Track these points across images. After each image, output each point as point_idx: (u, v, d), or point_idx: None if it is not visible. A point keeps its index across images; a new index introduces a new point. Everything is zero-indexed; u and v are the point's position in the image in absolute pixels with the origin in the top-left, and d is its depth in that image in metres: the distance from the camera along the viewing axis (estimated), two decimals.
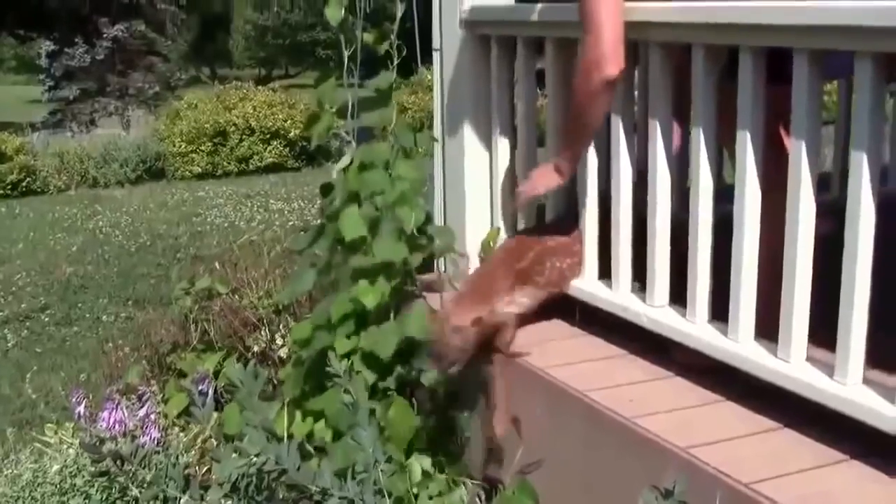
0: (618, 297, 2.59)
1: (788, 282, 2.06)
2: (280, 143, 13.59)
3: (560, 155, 2.66)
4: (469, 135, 3.13)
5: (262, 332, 3.44)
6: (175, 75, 27.02)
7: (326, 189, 3.07)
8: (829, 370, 2.01)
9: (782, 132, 2.21)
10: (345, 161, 2.91)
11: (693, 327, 2.34)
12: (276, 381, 3.15)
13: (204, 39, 45.01)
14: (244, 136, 13.41)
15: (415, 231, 2.77)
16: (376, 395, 2.69)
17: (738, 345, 2.21)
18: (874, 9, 1.78)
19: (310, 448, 2.60)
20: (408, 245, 2.75)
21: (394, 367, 2.70)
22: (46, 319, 6.22)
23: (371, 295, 2.71)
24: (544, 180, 2.70)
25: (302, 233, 6.43)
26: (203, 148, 13.29)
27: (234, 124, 13.35)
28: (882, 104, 1.92)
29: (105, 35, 24.57)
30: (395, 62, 2.93)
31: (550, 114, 2.83)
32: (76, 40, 24.46)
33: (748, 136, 2.12)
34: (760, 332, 2.21)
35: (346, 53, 3.00)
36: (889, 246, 1.99)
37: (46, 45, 24.70)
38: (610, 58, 2.31)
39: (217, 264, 3.94)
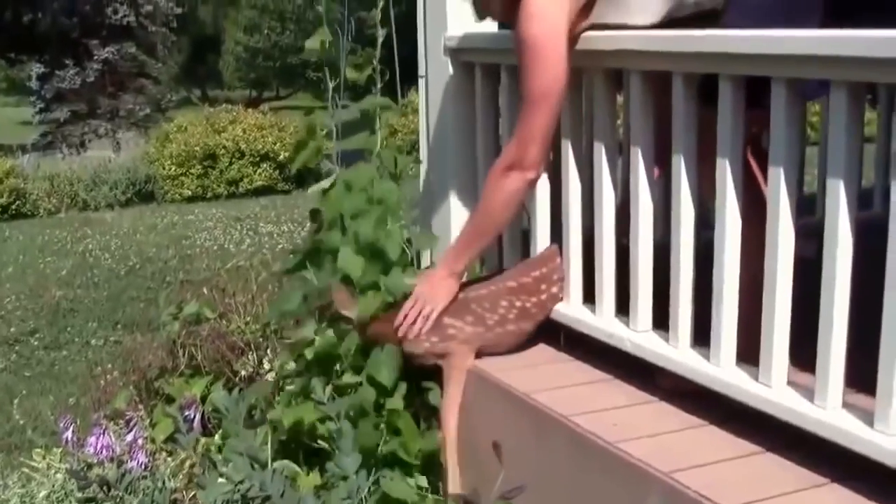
0: (602, 322, 2.61)
1: (768, 307, 2.09)
2: (270, 165, 13.64)
3: (458, 261, 2.68)
4: (453, 160, 3.16)
5: (250, 357, 3.45)
6: (166, 97, 27.09)
7: (315, 214, 3.10)
8: (810, 394, 2.03)
9: (749, 156, 2.24)
10: (324, 184, 2.95)
11: (675, 352, 2.36)
12: (262, 407, 3.16)
13: (195, 61, 45.10)
14: (234, 159, 13.45)
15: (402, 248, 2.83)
16: (381, 413, 2.73)
17: (720, 369, 2.23)
18: (849, 39, 1.81)
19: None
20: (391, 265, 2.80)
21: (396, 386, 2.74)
22: (35, 343, 6.23)
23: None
24: (443, 295, 2.68)
25: (292, 256, 6.48)
26: (193, 171, 13.34)
27: (224, 147, 13.39)
28: (858, 132, 1.95)
29: (96, 57, 24.65)
30: (378, 86, 2.98)
31: None
32: (66, 62, 24.51)
33: (727, 163, 2.15)
34: (743, 356, 2.23)
35: (330, 84, 3.06)
36: (872, 268, 2.01)
37: (37, 68, 24.75)
38: (537, 163, 2.49)
39: (205, 289, 3.95)
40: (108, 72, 25.08)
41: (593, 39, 2.47)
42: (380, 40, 2.96)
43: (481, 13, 2.72)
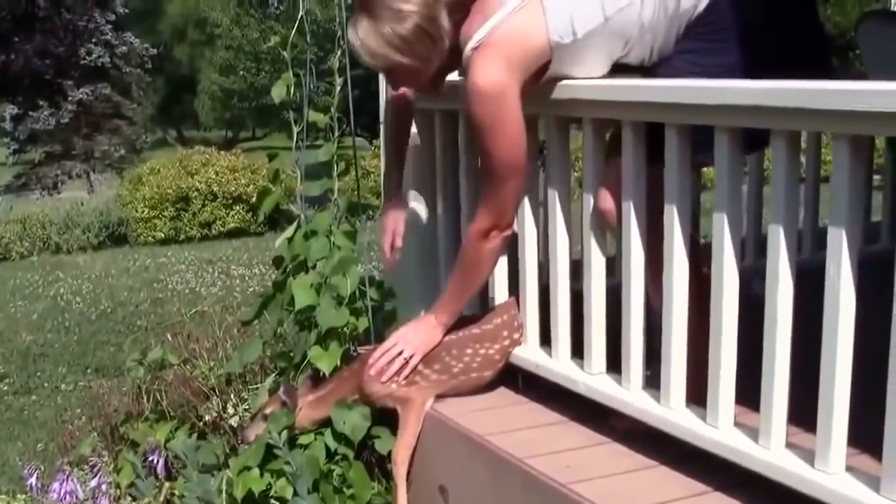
0: (557, 365, 2.66)
1: (715, 351, 2.14)
2: (242, 208, 13.64)
3: (445, 314, 2.74)
4: (415, 204, 3.21)
5: (214, 402, 3.47)
6: (141, 138, 27.03)
7: (279, 261, 3.15)
8: (756, 435, 2.08)
9: None
10: (288, 232, 3.00)
11: (627, 394, 2.41)
12: (227, 450, 3.18)
13: (170, 101, 45.08)
14: (207, 202, 13.44)
15: (356, 295, 2.87)
16: (334, 459, 2.77)
17: (670, 411, 2.28)
18: (790, 90, 1.87)
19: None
20: (348, 310, 2.84)
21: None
22: (5, 388, 6.21)
23: (325, 360, 2.79)
24: (427, 343, 2.74)
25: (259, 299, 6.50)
26: (166, 213, 13.32)
27: (197, 189, 13.39)
28: (796, 179, 2.01)
29: (70, 98, 24.61)
30: (336, 134, 3.03)
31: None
32: (41, 103, 24.46)
33: (675, 210, 2.20)
34: (693, 398, 2.28)
35: (295, 129, 3.11)
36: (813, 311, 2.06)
37: (10, 109, 24.66)
38: (512, 221, 2.63)
39: (169, 335, 3.98)
40: (82, 113, 25.03)
41: (546, 89, 2.51)
42: (337, 88, 3.02)
43: (407, 85, 2.84)
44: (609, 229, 2.48)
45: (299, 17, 3.12)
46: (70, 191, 23.23)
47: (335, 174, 3.02)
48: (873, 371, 1.81)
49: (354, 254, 2.95)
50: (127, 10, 27.80)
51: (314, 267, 2.93)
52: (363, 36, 2.51)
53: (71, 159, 25.05)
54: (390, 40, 2.48)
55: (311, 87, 3.12)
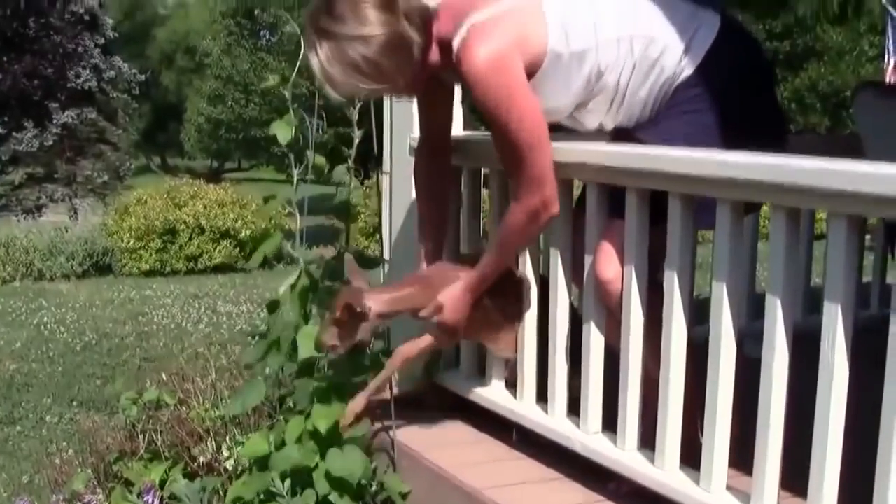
0: (553, 422, 2.71)
1: (710, 415, 2.20)
2: (230, 243, 13.62)
3: (479, 272, 2.66)
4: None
5: (209, 443, 3.50)
6: (125, 164, 26.95)
7: (273, 306, 3.18)
8: (747, 498, 2.14)
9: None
10: (290, 281, 3.03)
11: (623, 454, 2.47)
12: (221, 492, 3.21)
13: (156, 128, 45.14)
14: (194, 235, 13.43)
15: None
16: None
17: (664, 473, 2.34)
18: (791, 168, 1.95)
19: None
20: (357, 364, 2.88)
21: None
22: None
23: (324, 420, 2.81)
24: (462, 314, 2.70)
25: (250, 339, 6.53)
26: (152, 245, 13.31)
27: (185, 222, 13.38)
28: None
29: (55, 121, 24.54)
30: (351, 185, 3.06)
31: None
32: (25, 124, 24.38)
33: (676, 275, 2.27)
34: (684, 458, 2.34)
35: (295, 172, 3.11)
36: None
37: None
38: (555, 200, 2.48)
39: (164, 375, 4.01)
40: (67, 136, 25.00)
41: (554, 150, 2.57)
42: (356, 141, 3.03)
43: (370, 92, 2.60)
44: (610, 302, 2.50)
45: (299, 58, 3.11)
46: (52, 214, 23.17)
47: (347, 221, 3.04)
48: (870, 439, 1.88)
49: None
50: (116, 34, 27.89)
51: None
52: (325, 64, 2.43)
53: (53, 182, 24.97)
54: (357, 66, 2.42)
55: (317, 130, 3.13)
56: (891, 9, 14.35)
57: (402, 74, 2.51)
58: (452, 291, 2.67)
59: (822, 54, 19.89)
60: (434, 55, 2.54)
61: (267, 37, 36.23)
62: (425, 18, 2.49)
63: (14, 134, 24.45)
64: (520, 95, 2.39)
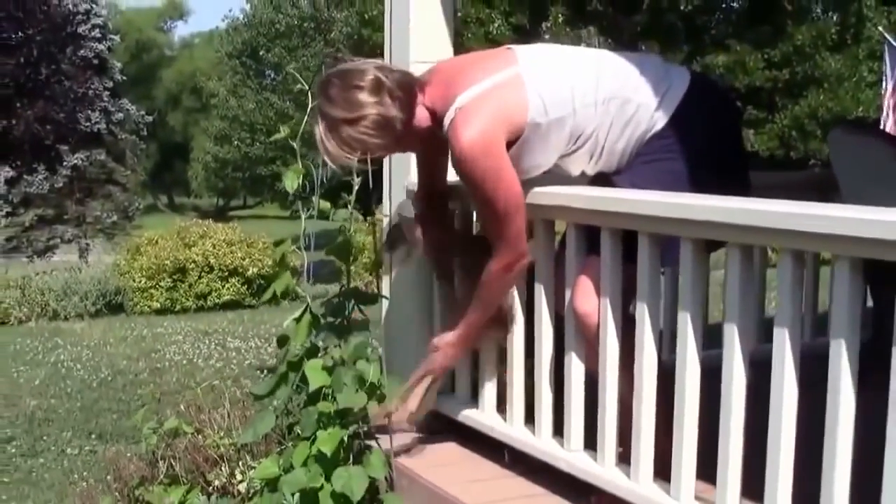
0: (540, 442, 2.96)
1: (678, 429, 2.45)
2: (238, 280, 13.88)
3: (466, 323, 2.97)
4: (416, 299, 3.54)
5: (223, 468, 3.76)
6: (133, 204, 27.15)
7: (283, 340, 3.42)
8: None
9: None
10: (296, 315, 3.27)
11: (603, 470, 2.72)
12: None
13: (163, 168, 45.44)
14: (203, 273, 13.69)
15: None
16: None
17: (639, 485, 2.59)
18: (742, 210, 2.23)
19: None
20: (367, 394, 3.10)
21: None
22: (13, 451, 6.44)
23: (328, 444, 3.03)
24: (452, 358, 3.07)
25: (259, 373, 6.79)
26: (162, 283, 13.56)
27: (194, 261, 13.64)
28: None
29: (65, 163, 24.79)
30: (351, 229, 3.29)
31: None
32: (36, 167, 24.62)
33: (646, 307, 2.53)
34: (660, 473, 2.59)
35: (303, 216, 3.33)
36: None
37: (5, 172, 24.82)
38: (527, 253, 2.82)
39: (182, 406, 4.27)
40: (76, 178, 25.24)
41: (535, 194, 2.82)
42: (355, 188, 3.25)
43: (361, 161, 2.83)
44: (588, 333, 2.75)
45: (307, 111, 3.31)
46: (61, 255, 23.42)
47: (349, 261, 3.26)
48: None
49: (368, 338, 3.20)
50: (124, 77, 28.26)
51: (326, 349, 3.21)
52: (323, 137, 2.75)
53: (63, 223, 25.20)
54: (347, 143, 2.73)
55: (325, 178, 3.36)
56: (888, 36, 14.67)
57: (387, 149, 2.87)
58: (446, 338, 3.03)
59: (821, 81, 20.09)
60: (424, 121, 2.83)
61: (272, 76, 36.60)
62: (410, 93, 2.80)
63: (25, 177, 24.69)
64: (503, 172, 2.69)
